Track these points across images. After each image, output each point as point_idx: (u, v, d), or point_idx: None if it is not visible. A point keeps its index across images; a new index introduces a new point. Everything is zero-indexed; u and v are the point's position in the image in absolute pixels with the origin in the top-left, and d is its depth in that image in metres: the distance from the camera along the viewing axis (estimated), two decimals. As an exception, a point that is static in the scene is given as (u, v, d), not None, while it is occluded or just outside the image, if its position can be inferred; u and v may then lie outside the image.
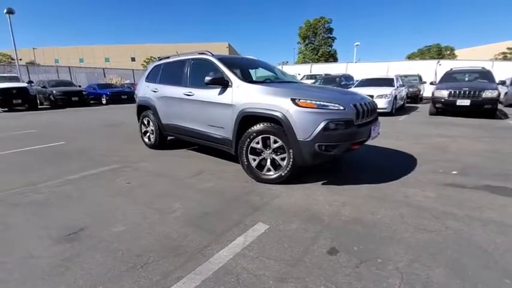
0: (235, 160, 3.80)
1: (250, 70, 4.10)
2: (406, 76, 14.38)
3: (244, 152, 3.08)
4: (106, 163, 3.94)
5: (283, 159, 2.93)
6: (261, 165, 3.07)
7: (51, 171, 3.65)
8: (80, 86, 16.99)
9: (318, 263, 1.69)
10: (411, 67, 18.35)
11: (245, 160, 3.09)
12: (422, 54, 36.77)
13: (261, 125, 2.96)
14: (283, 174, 2.93)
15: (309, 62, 30.85)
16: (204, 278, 1.58)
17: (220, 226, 2.17)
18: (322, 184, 3.02)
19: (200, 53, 3.97)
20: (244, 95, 3.11)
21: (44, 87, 14.51)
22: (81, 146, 5.09)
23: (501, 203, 2.52)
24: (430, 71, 18.04)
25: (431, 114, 8.89)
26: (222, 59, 3.62)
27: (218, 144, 3.54)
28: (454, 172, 3.38)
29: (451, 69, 10.50)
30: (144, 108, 4.77)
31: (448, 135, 5.62)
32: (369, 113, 3.06)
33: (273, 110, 2.81)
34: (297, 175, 3.01)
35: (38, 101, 13.55)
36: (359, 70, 18.23)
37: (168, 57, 4.63)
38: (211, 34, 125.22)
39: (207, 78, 3.27)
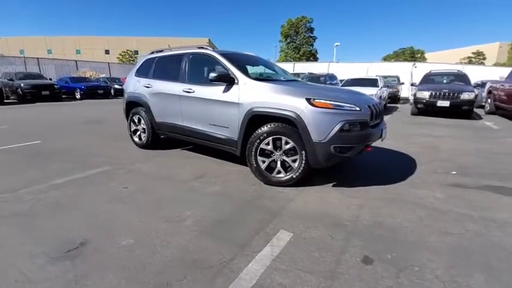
0: (235, 160, 3.66)
1: (252, 67, 3.93)
2: (385, 77, 14.91)
3: (253, 153, 2.92)
4: (94, 165, 3.59)
5: (294, 161, 2.81)
6: (270, 167, 2.93)
7: (32, 174, 3.25)
8: (50, 79, 15.70)
9: (357, 275, 1.60)
10: (389, 68, 19.09)
11: (254, 162, 2.94)
12: (397, 56, 38.55)
13: (272, 125, 2.82)
14: (294, 176, 2.82)
15: (291, 61, 31.09)
16: (240, 297, 1.43)
17: (239, 235, 2.01)
18: (333, 186, 2.95)
19: (199, 47, 3.73)
20: (252, 93, 2.95)
21: (10, 79, 13.21)
22: (61, 145, 4.63)
23: (507, 202, 2.60)
24: (406, 72, 18.88)
25: (412, 114, 9.24)
26: (224, 55, 3.42)
27: (221, 144, 3.35)
28: (454, 172, 3.46)
29: (430, 71, 11.01)
30: (134, 105, 4.43)
31: (435, 135, 5.84)
32: (379, 114, 3.03)
33: (286, 110, 2.68)
34: (308, 177, 2.91)
35: (4, 95, 12.31)
36: (340, 70, 18.61)
37: (161, 51, 4.33)
38: (191, 28, 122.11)
39: (212, 75, 3.06)
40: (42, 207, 2.42)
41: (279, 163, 2.89)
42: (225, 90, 3.15)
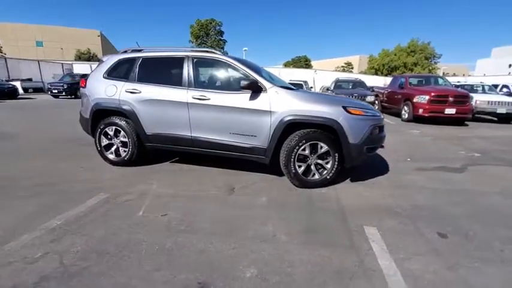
0: (239, 168, 3.64)
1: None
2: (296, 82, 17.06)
3: (292, 159, 3.00)
4: (80, 194, 2.77)
5: (327, 163, 3.08)
6: (305, 171, 3.09)
7: (7, 221, 2.23)
8: None
9: (445, 247, 2.04)
10: (292, 73, 21.85)
11: (293, 168, 3.02)
12: (295, 63, 44.26)
13: (307, 131, 2.99)
14: (328, 177, 3.09)
15: None
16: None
17: (337, 238, 2.14)
18: (352, 182, 3.38)
19: (203, 51, 3.45)
20: (286, 101, 3.02)
21: None
22: (-14, 175, 3.26)
23: (462, 177, 3.70)
24: (309, 78, 22.10)
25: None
26: (239, 60, 3.32)
27: (245, 154, 3.24)
28: (408, 159, 4.55)
29: (338, 78, 13.39)
30: (107, 114, 3.60)
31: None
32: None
33: (325, 118, 2.91)
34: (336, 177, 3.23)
35: None
36: None
37: (139, 50, 3.70)
38: (79, 19, 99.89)
39: (244, 83, 2.95)
40: (83, 262, 1.79)
41: (313, 166, 3.09)
42: (252, 98, 3.08)
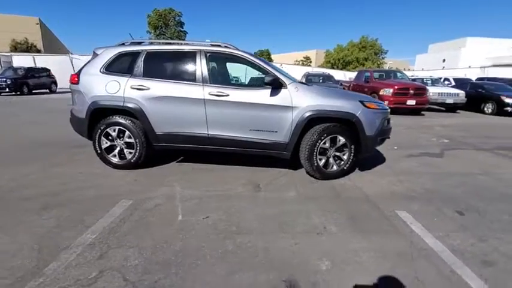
0: (248, 164, 3.68)
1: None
2: None
3: (315, 153, 3.10)
4: (93, 204, 2.50)
5: (344, 154, 3.26)
6: (324, 164, 3.22)
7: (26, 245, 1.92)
8: None
9: (469, 223, 2.35)
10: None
11: (315, 161, 3.13)
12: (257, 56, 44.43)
13: (327, 125, 3.10)
14: (345, 168, 3.27)
15: None
16: None
17: (381, 226, 2.31)
18: (361, 171, 3.62)
19: (214, 45, 3.32)
20: (307, 97, 3.08)
21: None
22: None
23: (445, 160, 4.21)
24: (275, 71, 22.39)
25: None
26: (254, 56, 3.27)
27: (265, 150, 3.24)
28: (395, 147, 5.01)
29: (308, 72, 13.85)
30: (108, 113, 3.26)
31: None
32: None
33: (346, 112, 3.06)
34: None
35: None
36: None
37: (139, 43, 3.41)
38: (15, 5, 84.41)
39: (268, 79, 2.94)
40: (150, 276, 1.65)
41: (331, 159, 3.24)
42: (273, 94, 3.08)
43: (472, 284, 1.64)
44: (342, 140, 3.18)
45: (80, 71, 3.41)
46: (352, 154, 3.24)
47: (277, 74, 3.13)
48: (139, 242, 1.97)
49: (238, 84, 3.26)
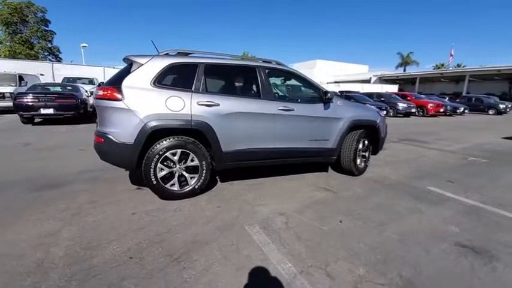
0: (292, 172, 3.98)
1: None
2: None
3: (357, 155, 3.78)
4: (230, 247, 2.22)
5: (366, 153, 4.12)
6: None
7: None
8: None
9: (481, 187, 3.68)
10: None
11: (359, 162, 3.81)
12: None
13: (360, 132, 3.85)
14: (367, 164, 4.15)
15: (21, 58, 21.94)
16: None
17: (435, 198, 3.25)
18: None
19: (271, 61, 3.45)
20: (347, 109, 3.73)
21: None
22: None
23: (395, 151, 5.88)
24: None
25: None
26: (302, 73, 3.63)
27: (318, 157, 3.65)
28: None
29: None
30: (166, 134, 2.73)
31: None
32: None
33: (373, 121, 3.92)
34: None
35: None
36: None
37: (186, 54, 3.08)
38: None
39: (330, 95, 3.44)
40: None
41: (360, 158, 4.02)
42: (326, 108, 3.54)
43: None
44: (366, 142, 4.02)
45: (116, 83, 2.68)
46: (370, 153, 4.15)
47: (325, 89, 3.62)
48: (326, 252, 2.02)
49: (295, 99, 3.50)
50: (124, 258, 1.90)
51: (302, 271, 1.82)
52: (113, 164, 2.88)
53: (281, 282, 1.72)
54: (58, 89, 8.76)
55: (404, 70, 43.67)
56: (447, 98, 21.84)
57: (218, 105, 2.91)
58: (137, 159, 2.68)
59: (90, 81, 13.25)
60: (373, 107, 5.42)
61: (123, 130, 2.64)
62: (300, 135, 3.44)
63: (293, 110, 3.32)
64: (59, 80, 13.42)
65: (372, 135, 4.06)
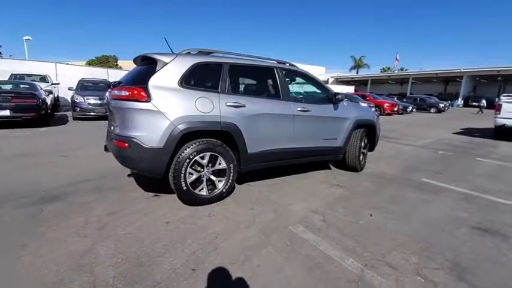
0: (299, 171, 4.09)
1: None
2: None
3: (361, 152, 4.03)
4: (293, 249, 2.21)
5: (365, 150, 4.42)
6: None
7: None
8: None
9: (469, 176, 4.19)
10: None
11: (362, 158, 4.06)
12: (101, 62, 36.87)
13: (362, 130, 4.12)
14: (365, 160, 4.46)
15: None
16: None
17: (429, 188, 3.64)
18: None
19: (282, 62, 3.46)
20: (352, 109, 3.96)
21: None
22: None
23: (410, 148, 6.38)
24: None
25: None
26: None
27: (328, 155, 3.81)
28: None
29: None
30: (196, 137, 2.60)
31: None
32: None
33: (371, 120, 4.22)
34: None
35: None
36: (72, 72, 15.61)
37: (208, 53, 2.97)
38: None
39: (340, 96, 3.60)
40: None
41: (362, 155, 4.30)
42: (335, 108, 3.71)
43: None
44: (366, 140, 4.32)
45: (141, 83, 2.45)
46: (367, 149, 4.47)
47: (335, 91, 3.78)
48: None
49: (310, 100, 3.57)
50: (187, 271, 1.77)
51: (366, 264, 1.92)
52: (139, 172, 2.65)
53: (353, 277, 1.79)
54: (10, 87, 7.55)
55: (357, 72, 47.28)
56: (395, 98, 24.29)
57: (244, 106, 2.87)
58: (167, 164, 2.50)
59: (42, 79, 11.66)
60: (369, 107, 5.86)
61: (151, 133, 2.44)
62: (315, 135, 3.56)
63: (309, 111, 3.42)
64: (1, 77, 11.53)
65: (369, 134, 4.37)
